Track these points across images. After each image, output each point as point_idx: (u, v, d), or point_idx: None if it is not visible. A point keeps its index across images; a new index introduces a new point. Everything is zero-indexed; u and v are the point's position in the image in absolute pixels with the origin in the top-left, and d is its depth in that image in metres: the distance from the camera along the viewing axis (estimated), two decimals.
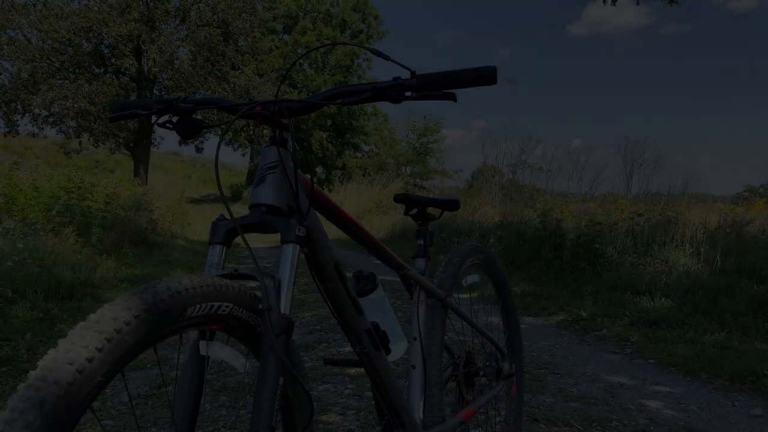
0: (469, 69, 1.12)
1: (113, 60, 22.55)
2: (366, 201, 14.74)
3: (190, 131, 1.27)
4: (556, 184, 38.29)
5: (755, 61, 71.18)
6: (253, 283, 1.15)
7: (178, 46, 23.13)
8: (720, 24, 73.78)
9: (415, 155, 19.91)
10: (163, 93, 24.33)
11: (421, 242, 1.81)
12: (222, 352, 1.07)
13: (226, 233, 1.18)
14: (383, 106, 34.81)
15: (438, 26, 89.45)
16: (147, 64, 22.48)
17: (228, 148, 31.31)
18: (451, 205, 1.85)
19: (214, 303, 0.98)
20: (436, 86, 1.12)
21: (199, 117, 1.29)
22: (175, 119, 1.28)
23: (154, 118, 1.29)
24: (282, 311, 1.08)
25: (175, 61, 23.47)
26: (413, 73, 1.13)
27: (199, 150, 30.55)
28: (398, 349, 1.57)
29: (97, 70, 22.81)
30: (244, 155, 32.90)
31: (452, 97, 1.12)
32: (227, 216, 1.20)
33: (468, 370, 1.96)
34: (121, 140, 22.62)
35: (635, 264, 6.43)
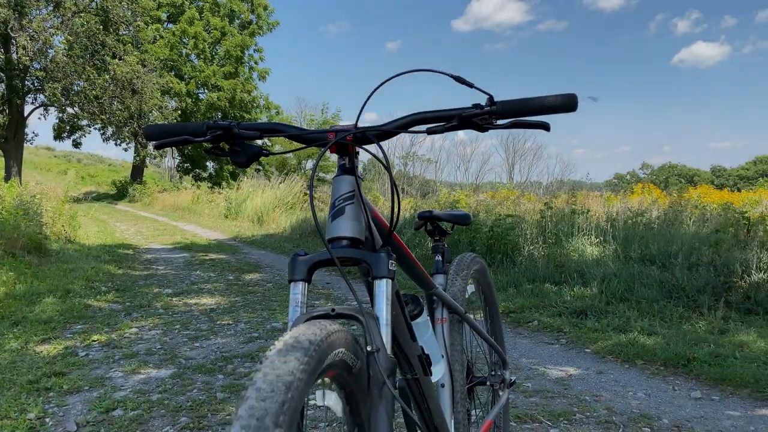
0: (550, 96, 1.11)
1: None
2: (271, 199, 14.42)
3: (248, 159, 1.18)
4: (444, 175, 39.36)
5: (619, 57, 76.85)
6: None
7: (53, 34, 21.49)
8: (590, 22, 79.00)
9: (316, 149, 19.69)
10: (35, 84, 22.57)
11: (439, 258, 1.81)
12: (329, 399, 1.01)
13: (308, 269, 1.12)
14: (276, 98, 34.13)
15: (327, 18, 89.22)
16: (16, 52, 20.73)
17: (109, 144, 29.58)
18: (464, 219, 1.86)
19: (336, 350, 0.93)
20: (519, 113, 1.10)
21: (258, 143, 1.20)
22: (226, 146, 1.19)
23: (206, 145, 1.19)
24: (387, 351, 1.04)
25: (49, 50, 21.79)
26: (491, 100, 1.12)
27: (76, 145, 28.62)
28: (437, 371, 1.56)
29: None
30: (126, 150, 31.19)
31: (546, 127, 1.11)
32: (307, 252, 1.14)
33: (478, 381, 1.98)
34: None
35: (548, 255, 6.76)
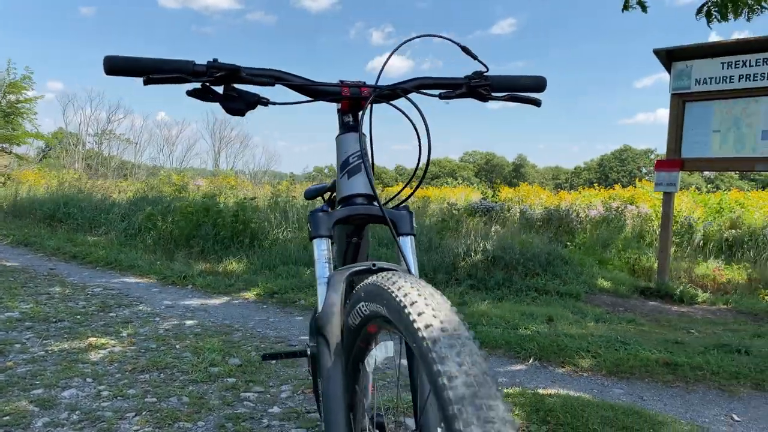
0: (528, 76, 1.26)
1: None
2: None
3: (247, 106, 1.08)
4: (144, 157, 36.99)
5: (323, 56, 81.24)
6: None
7: None
8: (297, 19, 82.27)
9: (2, 116, 16.55)
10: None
11: None
12: (380, 353, 1.00)
13: (333, 225, 1.08)
14: None
15: None
16: None
17: None
18: None
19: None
20: (509, 88, 1.22)
21: (256, 90, 1.09)
22: (216, 89, 1.07)
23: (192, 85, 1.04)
24: None
25: None
26: (479, 73, 1.22)
27: None
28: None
29: None
30: None
31: (537, 103, 1.25)
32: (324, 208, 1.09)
33: None
34: None
35: (293, 239, 6.96)
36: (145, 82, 1.03)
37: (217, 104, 1.08)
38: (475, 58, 1.18)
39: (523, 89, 1.24)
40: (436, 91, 1.19)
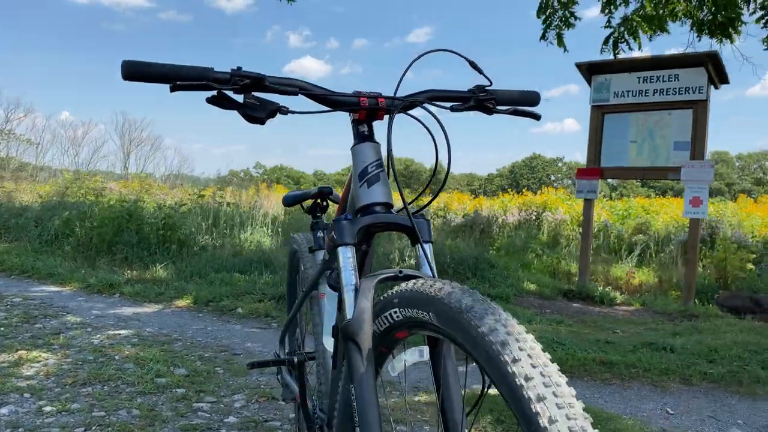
0: (525, 91, 1.32)
1: None
2: None
3: (268, 115, 1.07)
4: (47, 159, 34.90)
5: (239, 58, 79.85)
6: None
7: None
8: (212, 20, 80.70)
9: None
10: None
11: (321, 234, 1.82)
12: (411, 357, 1.02)
13: (359, 233, 1.10)
14: None
15: None
16: None
17: None
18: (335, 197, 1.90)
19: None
20: (510, 101, 1.28)
21: (274, 99, 1.09)
22: (234, 97, 1.06)
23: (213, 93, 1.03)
24: None
25: None
26: (482, 88, 1.27)
27: None
28: (328, 341, 1.58)
29: None
30: None
31: (537, 117, 1.30)
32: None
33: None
34: None
35: (224, 245, 6.81)
36: (172, 89, 1.00)
37: (223, 110, 1.08)
38: (480, 72, 1.23)
39: (522, 103, 1.30)
40: (448, 104, 1.23)
